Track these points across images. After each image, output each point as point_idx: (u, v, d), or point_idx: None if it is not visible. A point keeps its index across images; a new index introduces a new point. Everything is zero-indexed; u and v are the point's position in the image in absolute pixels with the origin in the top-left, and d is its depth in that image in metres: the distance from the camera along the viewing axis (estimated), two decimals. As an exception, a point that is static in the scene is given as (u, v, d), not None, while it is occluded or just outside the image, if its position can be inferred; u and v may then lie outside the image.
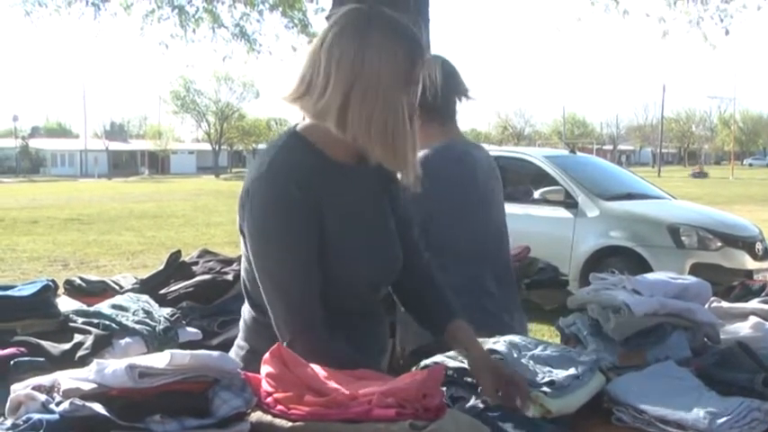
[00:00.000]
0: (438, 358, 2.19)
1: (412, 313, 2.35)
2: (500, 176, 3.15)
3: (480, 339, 2.19)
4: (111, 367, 1.64)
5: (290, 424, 1.66)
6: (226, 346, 3.12)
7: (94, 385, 1.63)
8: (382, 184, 2.17)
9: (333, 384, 1.71)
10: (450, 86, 2.97)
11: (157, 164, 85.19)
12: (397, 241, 2.18)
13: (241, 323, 2.26)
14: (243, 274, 2.17)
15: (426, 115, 2.75)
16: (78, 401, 1.58)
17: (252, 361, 1.92)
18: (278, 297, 1.99)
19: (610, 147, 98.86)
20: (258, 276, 2.01)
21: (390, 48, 1.93)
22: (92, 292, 3.62)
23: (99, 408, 1.57)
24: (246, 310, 2.21)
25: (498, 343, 2.23)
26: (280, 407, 1.70)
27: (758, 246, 9.21)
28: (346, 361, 1.88)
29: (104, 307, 3.17)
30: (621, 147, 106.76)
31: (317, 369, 1.78)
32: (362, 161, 2.05)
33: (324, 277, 2.00)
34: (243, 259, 2.14)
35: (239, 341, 2.25)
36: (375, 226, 2.14)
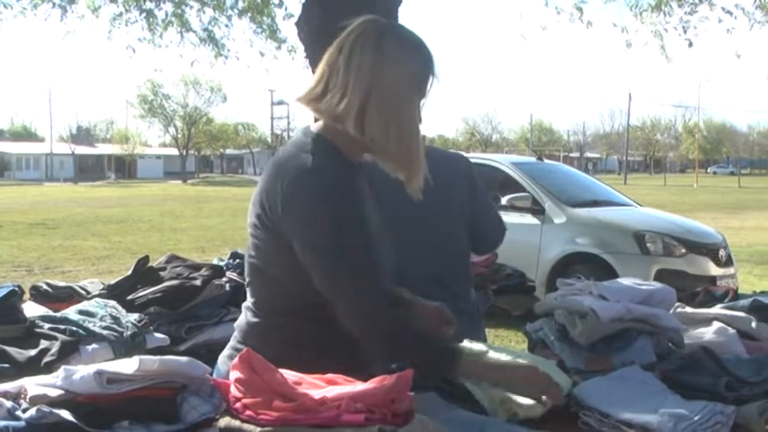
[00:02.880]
0: None
1: None
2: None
3: None
4: (79, 373, 1.63)
5: (258, 429, 1.66)
6: (193, 352, 3.14)
7: (62, 391, 1.62)
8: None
9: (301, 389, 1.72)
10: None
11: (124, 168, 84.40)
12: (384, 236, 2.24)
13: (238, 325, 2.24)
14: (249, 271, 2.18)
15: None
16: (45, 408, 1.58)
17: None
18: (355, 281, 1.98)
19: (576, 154, 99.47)
20: (328, 264, 1.99)
21: (406, 61, 2.06)
22: (58, 297, 3.59)
23: (66, 414, 1.57)
24: (250, 313, 2.19)
25: None
26: (248, 412, 1.70)
27: (721, 252, 9.32)
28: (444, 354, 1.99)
29: (71, 313, 3.14)
30: (588, 154, 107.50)
31: (286, 374, 1.78)
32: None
33: None
34: (250, 258, 2.15)
35: (234, 343, 2.21)
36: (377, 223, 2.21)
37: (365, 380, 1.83)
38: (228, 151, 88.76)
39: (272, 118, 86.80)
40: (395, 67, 2.03)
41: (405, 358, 1.94)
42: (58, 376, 1.66)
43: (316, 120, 2.15)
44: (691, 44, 8.53)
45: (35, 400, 1.61)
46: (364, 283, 1.98)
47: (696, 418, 2.09)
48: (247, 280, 2.20)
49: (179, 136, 78.34)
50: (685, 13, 8.57)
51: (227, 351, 2.23)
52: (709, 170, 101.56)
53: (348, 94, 2.01)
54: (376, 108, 2.01)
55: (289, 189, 1.99)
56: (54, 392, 1.63)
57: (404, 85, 2.04)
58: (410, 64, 2.06)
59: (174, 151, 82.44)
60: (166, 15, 8.74)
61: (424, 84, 2.09)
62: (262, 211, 2.05)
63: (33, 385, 1.66)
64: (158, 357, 1.70)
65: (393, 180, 2.22)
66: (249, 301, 2.20)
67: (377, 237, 2.14)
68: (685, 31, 8.59)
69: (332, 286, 1.99)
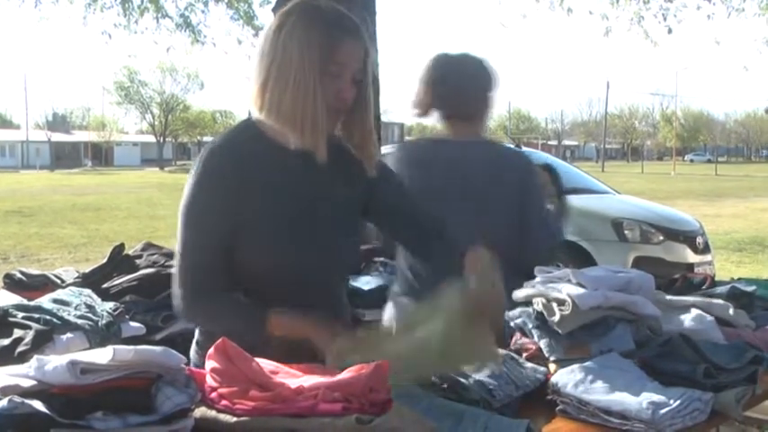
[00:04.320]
0: None
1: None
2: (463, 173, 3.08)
3: None
4: (52, 363, 1.60)
5: (234, 419, 1.64)
6: (170, 341, 3.10)
7: (34, 382, 1.59)
8: (347, 175, 2.20)
9: (278, 379, 1.70)
10: (435, 83, 3.07)
11: (101, 156, 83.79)
12: (342, 234, 2.20)
13: None
14: None
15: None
16: (17, 399, 1.54)
17: (207, 340, 2.11)
18: (182, 268, 2.09)
19: (554, 142, 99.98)
20: (177, 246, 2.10)
21: (305, 36, 2.01)
22: (32, 286, 3.55)
23: (39, 405, 1.54)
24: None
25: None
26: (224, 402, 1.68)
27: (699, 240, 9.38)
28: (243, 312, 2.03)
29: (45, 301, 3.10)
30: (566, 142, 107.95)
31: (263, 363, 1.76)
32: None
33: (246, 261, 2.08)
34: None
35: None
36: (314, 214, 2.14)
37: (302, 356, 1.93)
38: (206, 138, 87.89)
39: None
40: (291, 43, 2.01)
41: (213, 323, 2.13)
42: (30, 366, 1.63)
43: None
44: (670, 31, 8.58)
45: (6, 391, 1.58)
46: (182, 259, 2.08)
47: (674, 404, 2.10)
48: None
49: (156, 123, 77.93)
50: (665, 0, 8.60)
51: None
52: (686, 158, 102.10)
53: (254, 76, 2.07)
54: (272, 84, 2.03)
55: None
56: (26, 383, 1.59)
57: (301, 59, 2.00)
58: (308, 39, 2.01)
59: (151, 138, 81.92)
60: (142, 1, 8.67)
61: (329, 58, 2.03)
62: None
63: (5, 375, 1.63)
64: (133, 347, 1.67)
65: None
66: None
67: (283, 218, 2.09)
68: (665, 18, 8.63)
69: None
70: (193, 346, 2.30)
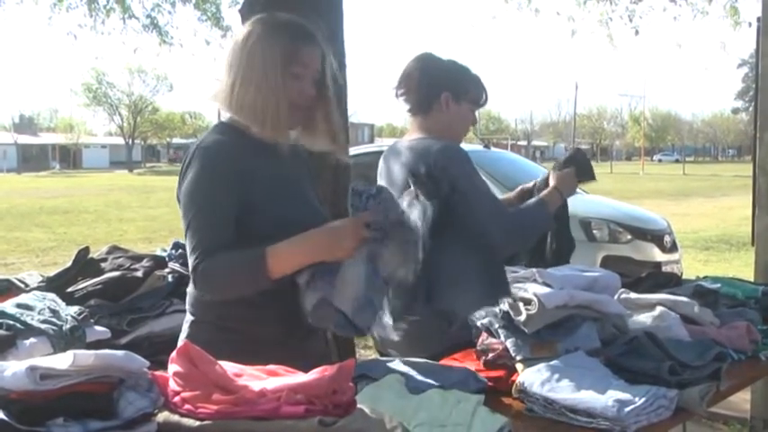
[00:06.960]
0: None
1: None
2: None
3: None
4: (11, 369, 1.58)
5: (197, 423, 1.63)
6: (135, 345, 3.07)
7: (-8, 388, 1.57)
8: (304, 163, 2.53)
9: (241, 381, 1.69)
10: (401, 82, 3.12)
11: (69, 158, 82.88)
12: (318, 212, 2.43)
13: (187, 299, 2.47)
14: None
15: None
16: (-26, 405, 1.52)
17: (196, 331, 2.35)
18: (191, 239, 2.23)
19: (524, 142, 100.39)
20: (184, 230, 2.26)
21: (268, 43, 2.30)
22: (-5, 290, 3.49)
23: (-3, 412, 1.52)
24: (191, 286, 2.40)
25: None
26: (187, 406, 1.66)
27: (666, 238, 9.45)
28: (250, 256, 2.16)
29: (8, 306, 3.05)
30: (536, 142, 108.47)
31: (226, 365, 1.75)
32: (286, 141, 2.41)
33: (253, 238, 2.22)
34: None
35: (187, 315, 2.46)
36: (298, 195, 2.42)
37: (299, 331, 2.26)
38: (175, 140, 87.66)
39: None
40: (255, 50, 2.29)
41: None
42: (-12, 372, 1.61)
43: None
44: (637, 32, 8.64)
45: (-36, 398, 1.55)
46: (194, 241, 2.21)
47: (640, 402, 2.11)
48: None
49: (125, 125, 77.34)
50: (631, 2, 8.65)
51: (183, 327, 2.44)
52: (654, 158, 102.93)
53: (224, 79, 2.32)
54: (238, 85, 2.29)
55: (183, 169, 2.31)
56: (-16, 389, 1.57)
57: (264, 63, 2.27)
58: (271, 44, 2.29)
59: (119, 140, 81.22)
60: (108, 1, 8.57)
61: (291, 61, 2.30)
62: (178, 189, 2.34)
63: (-37, 382, 1.61)
64: (94, 351, 1.65)
65: None
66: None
67: (280, 204, 2.32)
68: (631, 20, 8.68)
69: (186, 243, 2.25)
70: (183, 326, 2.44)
